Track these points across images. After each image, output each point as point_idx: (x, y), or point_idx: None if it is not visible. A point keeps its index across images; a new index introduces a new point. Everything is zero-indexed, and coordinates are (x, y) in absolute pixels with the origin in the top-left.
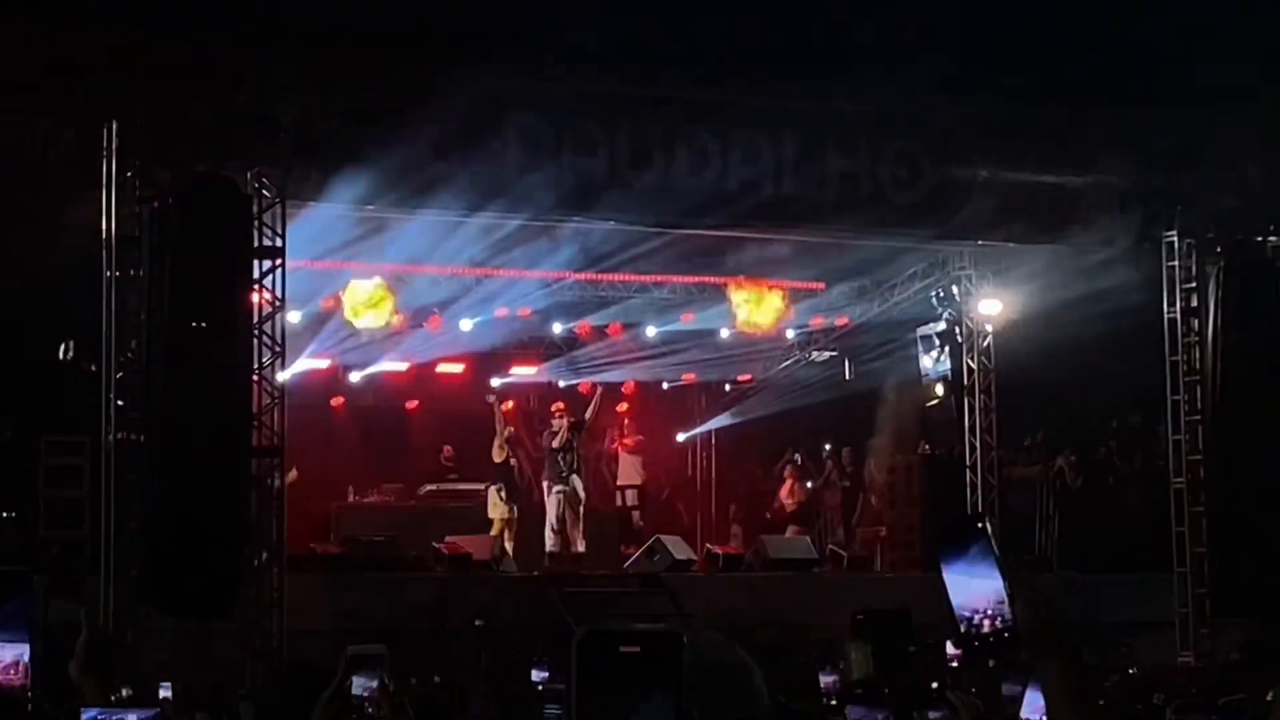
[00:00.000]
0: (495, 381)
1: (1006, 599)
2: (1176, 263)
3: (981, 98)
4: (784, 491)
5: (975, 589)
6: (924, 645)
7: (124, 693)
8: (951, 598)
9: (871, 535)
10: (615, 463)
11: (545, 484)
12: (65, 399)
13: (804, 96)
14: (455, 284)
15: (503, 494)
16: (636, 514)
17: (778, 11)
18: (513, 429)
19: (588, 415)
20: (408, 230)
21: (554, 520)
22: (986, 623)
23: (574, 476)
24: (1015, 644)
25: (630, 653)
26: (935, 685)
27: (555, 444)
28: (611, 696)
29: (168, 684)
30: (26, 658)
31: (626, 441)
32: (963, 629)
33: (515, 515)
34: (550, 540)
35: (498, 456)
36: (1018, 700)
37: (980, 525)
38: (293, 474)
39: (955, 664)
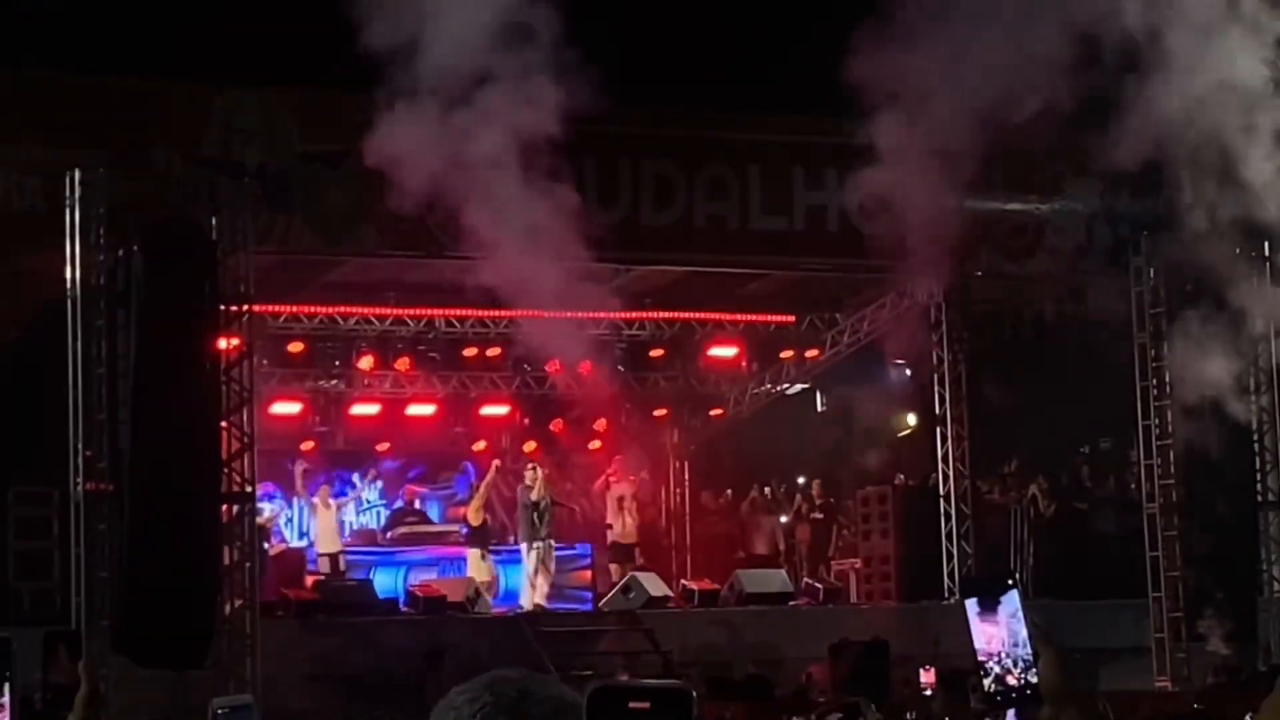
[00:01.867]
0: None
1: (1031, 656)
2: (1144, 287)
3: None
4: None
5: (999, 640)
6: (900, 676)
7: None
8: (975, 644)
9: (846, 567)
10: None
11: (520, 538)
12: (33, 450)
13: (769, 129)
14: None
15: (483, 557)
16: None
17: (742, 44)
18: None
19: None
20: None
21: (530, 574)
22: (1010, 676)
23: (547, 530)
24: (1036, 701)
25: (640, 709)
26: (911, 716)
27: (532, 497)
28: None
29: None
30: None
31: (620, 484)
32: (986, 680)
33: (496, 576)
34: (525, 595)
35: (475, 520)
36: None
37: (1010, 582)
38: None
39: (929, 693)
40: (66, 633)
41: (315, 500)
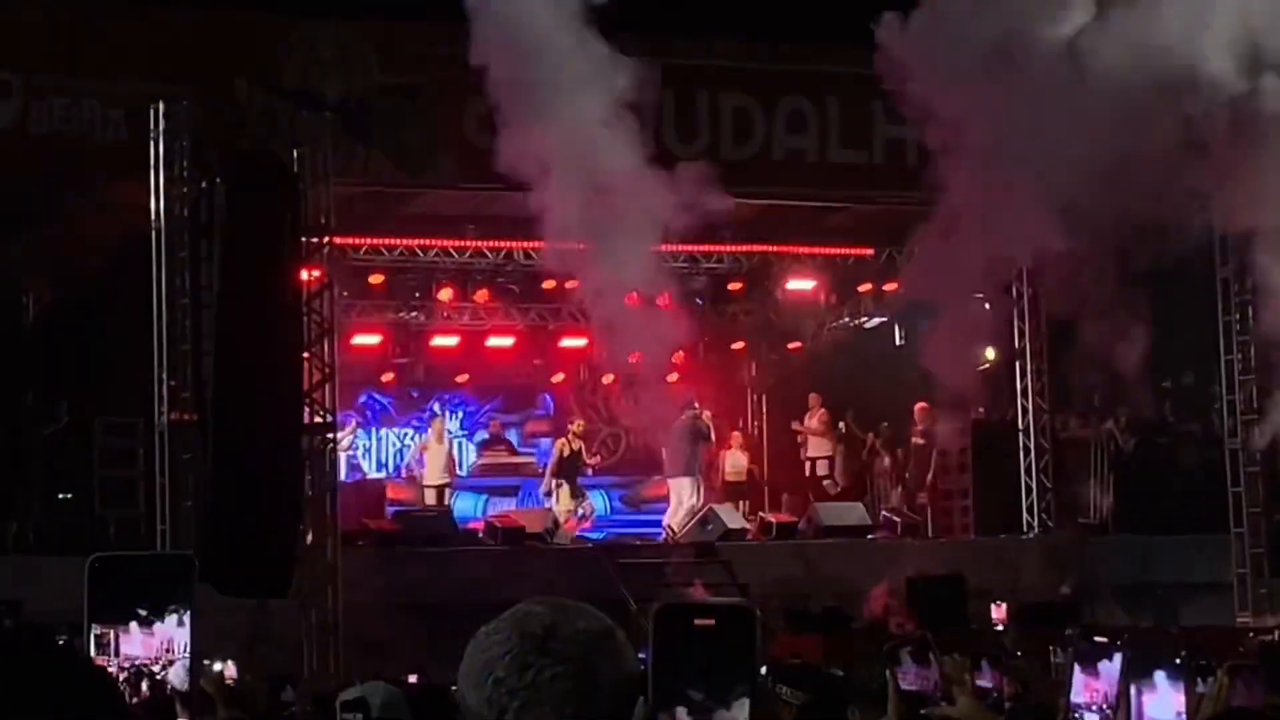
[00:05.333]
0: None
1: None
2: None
3: None
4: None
5: (1101, 693)
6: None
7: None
8: (1072, 695)
9: (926, 500)
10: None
11: (680, 469)
12: (119, 380)
13: (849, 62)
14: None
15: (568, 490)
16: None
17: None
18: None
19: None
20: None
21: (686, 500)
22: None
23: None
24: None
25: (705, 626)
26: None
27: (701, 428)
28: (688, 669)
29: (230, 662)
30: (187, 644)
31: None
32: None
33: (585, 506)
34: (675, 519)
35: (565, 451)
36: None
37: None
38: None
39: (1001, 628)
40: None
41: (429, 433)
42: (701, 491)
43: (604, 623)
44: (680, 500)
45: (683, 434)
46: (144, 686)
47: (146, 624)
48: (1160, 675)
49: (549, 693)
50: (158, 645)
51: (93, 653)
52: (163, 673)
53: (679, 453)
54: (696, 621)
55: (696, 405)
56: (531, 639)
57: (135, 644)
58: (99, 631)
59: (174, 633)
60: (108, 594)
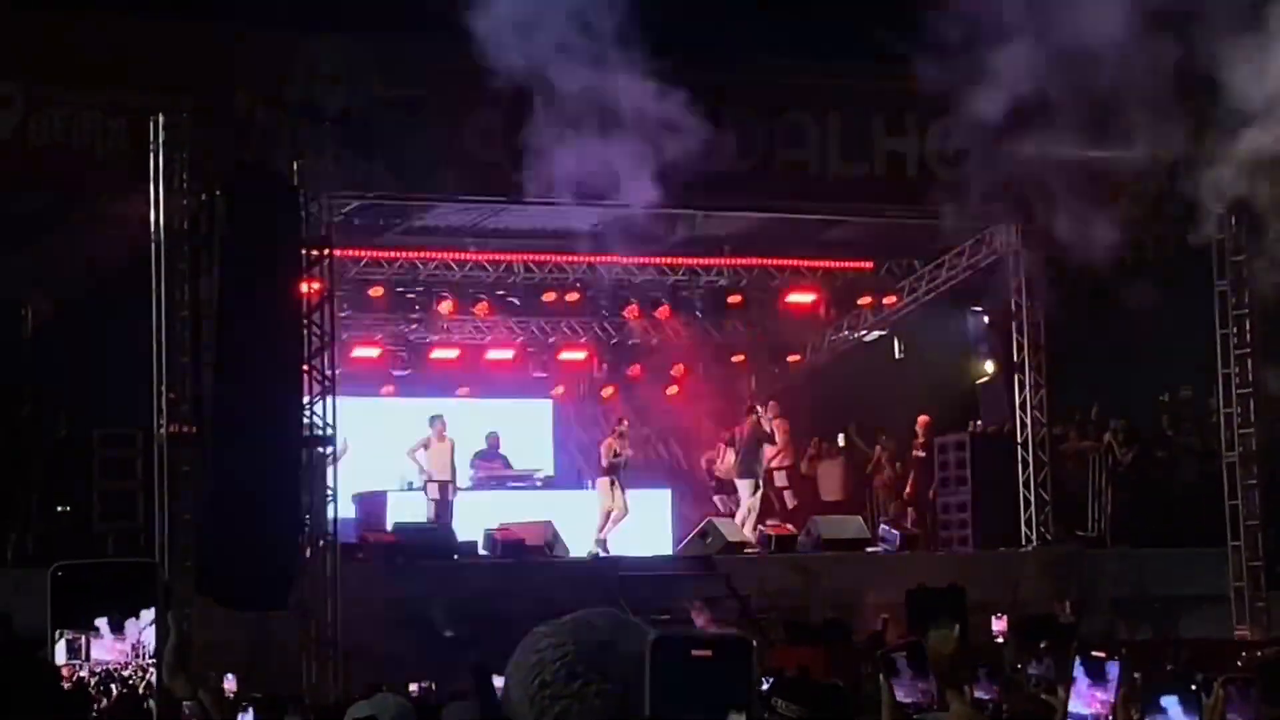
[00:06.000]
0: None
1: None
2: (1225, 234)
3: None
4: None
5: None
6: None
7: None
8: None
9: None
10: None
11: (742, 474)
12: (118, 392)
13: (850, 75)
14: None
15: (612, 485)
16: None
17: None
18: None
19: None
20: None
21: (752, 507)
22: None
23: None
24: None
25: (701, 656)
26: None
27: (765, 433)
28: (685, 700)
29: (231, 676)
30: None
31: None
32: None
33: (621, 506)
34: (747, 526)
35: (608, 456)
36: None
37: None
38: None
39: (1002, 640)
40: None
41: (430, 434)
42: (760, 494)
43: None
44: (741, 502)
45: (745, 438)
46: (113, 689)
47: (116, 629)
48: (1172, 701)
49: (591, 707)
50: (127, 650)
51: (63, 658)
52: (133, 677)
53: (742, 455)
54: (693, 652)
55: (760, 409)
56: (588, 650)
57: (105, 649)
58: (70, 637)
59: (142, 637)
60: (72, 602)
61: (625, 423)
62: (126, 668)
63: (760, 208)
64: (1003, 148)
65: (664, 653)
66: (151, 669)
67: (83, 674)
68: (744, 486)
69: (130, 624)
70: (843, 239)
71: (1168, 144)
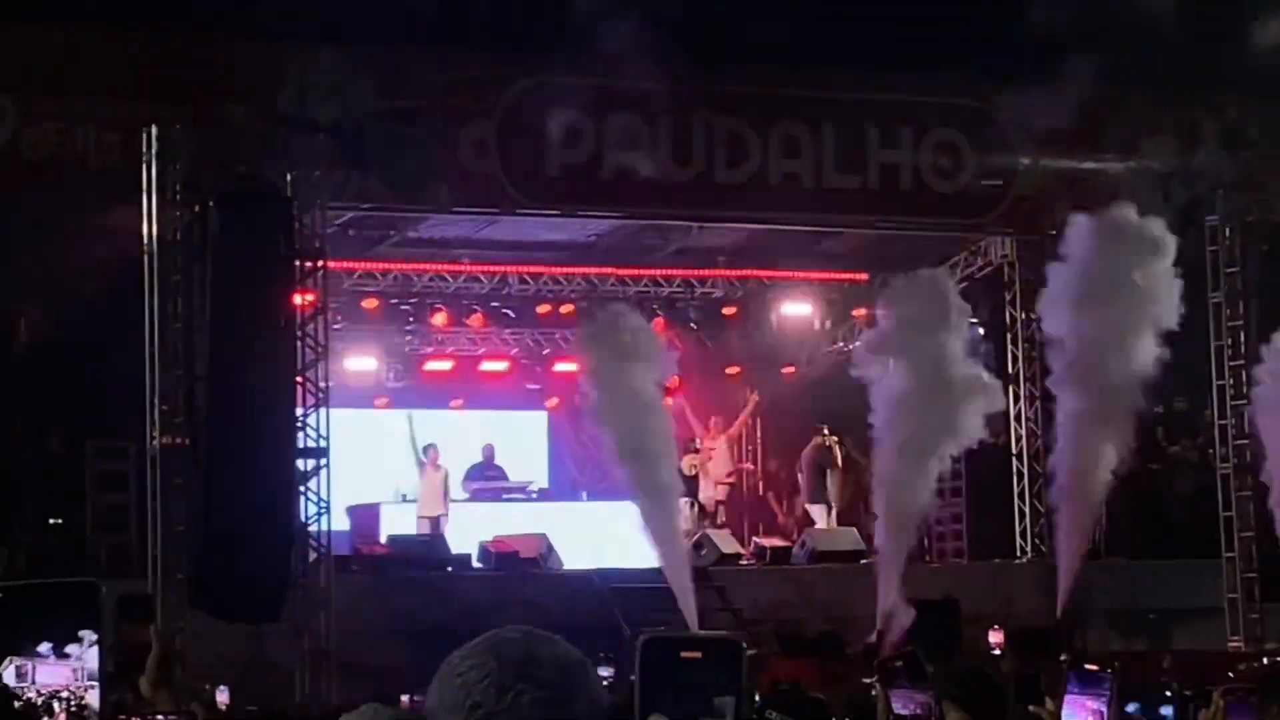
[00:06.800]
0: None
1: None
2: (1219, 247)
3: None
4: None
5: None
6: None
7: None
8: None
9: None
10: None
11: (811, 497)
12: (110, 405)
13: (844, 87)
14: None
15: (692, 506)
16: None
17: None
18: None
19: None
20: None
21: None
22: None
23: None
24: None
25: (691, 658)
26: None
27: (832, 457)
28: (675, 700)
29: (224, 688)
30: (93, 672)
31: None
32: None
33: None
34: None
35: (688, 470)
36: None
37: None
38: None
39: (998, 653)
40: (140, 595)
41: (424, 461)
42: (833, 517)
43: (577, 653)
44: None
45: (811, 462)
46: (56, 709)
47: (60, 653)
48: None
49: (525, 715)
50: (70, 673)
51: (12, 682)
52: (77, 697)
53: (809, 480)
54: (683, 653)
55: (826, 432)
56: (510, 664)
57: (49, 673)
58: (19, 664)
59: (85, 658)
60: (13, 624)
61: (699, 440)
62: (66, 689)
63: (755, 219)
64: (998, 158)
65: (654, 653)
66: (90, 690)
67: (30, 695)
68: (817, 513)
69: (73, 647)
70: (837, 251)
71: (1161, 154)
